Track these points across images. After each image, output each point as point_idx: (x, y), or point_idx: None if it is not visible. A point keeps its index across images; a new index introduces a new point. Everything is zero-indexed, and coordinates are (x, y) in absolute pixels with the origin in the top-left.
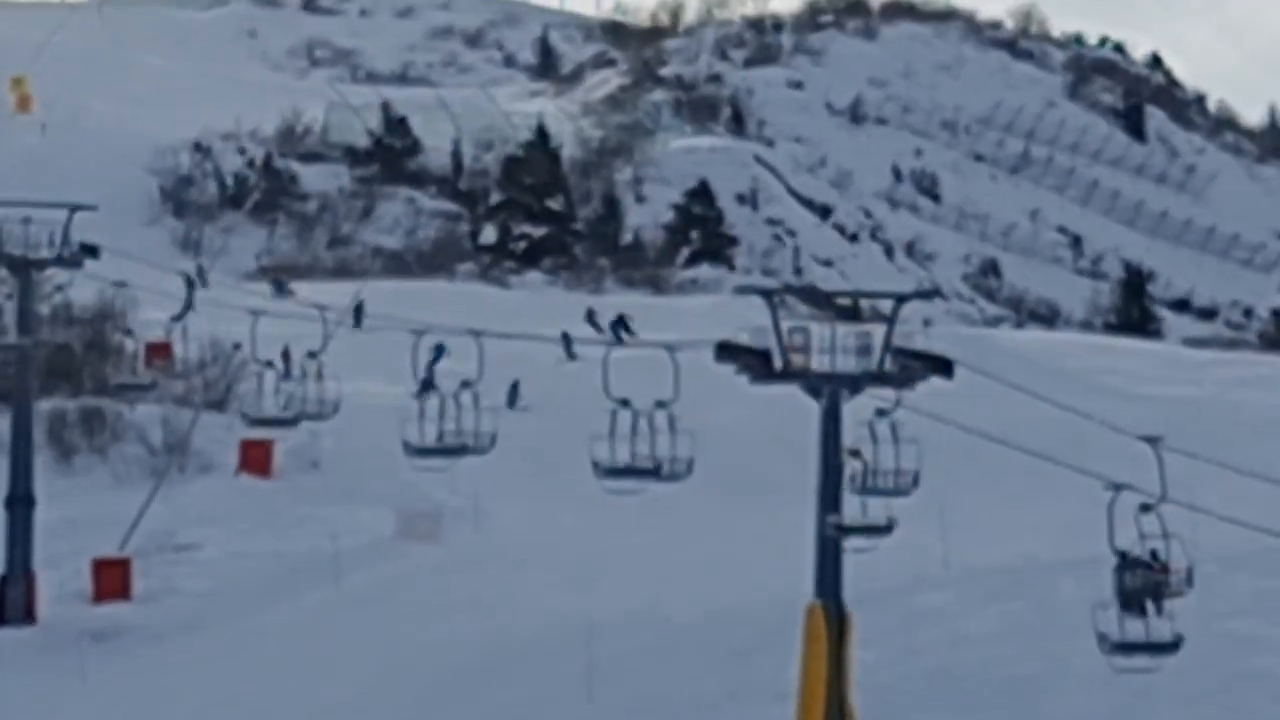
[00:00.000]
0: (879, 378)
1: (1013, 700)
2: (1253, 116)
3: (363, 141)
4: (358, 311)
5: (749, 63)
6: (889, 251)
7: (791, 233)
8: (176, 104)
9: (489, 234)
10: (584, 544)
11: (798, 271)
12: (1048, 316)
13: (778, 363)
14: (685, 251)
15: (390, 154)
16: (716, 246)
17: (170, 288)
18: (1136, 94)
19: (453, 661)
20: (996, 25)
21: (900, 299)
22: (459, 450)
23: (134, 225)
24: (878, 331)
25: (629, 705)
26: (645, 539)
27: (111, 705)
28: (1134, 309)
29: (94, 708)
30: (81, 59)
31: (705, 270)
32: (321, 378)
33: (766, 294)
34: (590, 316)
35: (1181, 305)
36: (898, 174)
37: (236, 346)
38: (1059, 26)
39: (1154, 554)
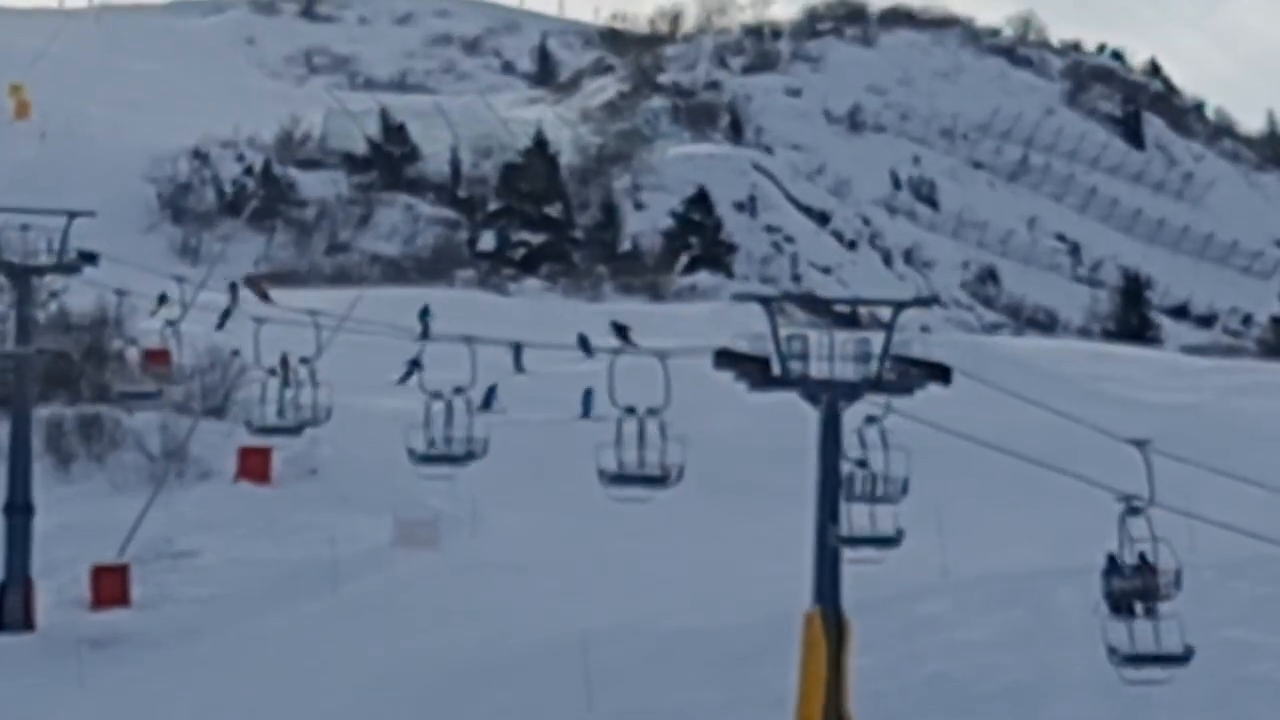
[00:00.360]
0: (878, 385)
1: (1012, 708)
2: (1251, 123)
3: (361, 148)
4: (423, 317)
5: (747, 70)
6: (887, 259)
7: (790, 240)
8: (175, 111)
9: (487, 241)
10: (582, 551)
11: (796, 279)
12: (1046, 324)
13: (776, 369)
14: (684, 258)
15: (389, 161)
16: (715, 253)
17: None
18: (1135, 101)
19: (451, 668)
20: (995, 32)
21: (899, 306)
22: (464, 458)
23: (132, 232)
24: (876, 339)
25: (627, 713)
26: (644, 546)
27: (110, 712)
28: (1132, 316)
29: (93, 714)
30: (80, 66)
31: (704, 277)
32: (316, 384)
33: (765, 301)
34: (620, 330)
35: (1180, 312)
36: (896, 181)
37: (235, 353)
38: (1057, 34)
39: (1142, 557)
